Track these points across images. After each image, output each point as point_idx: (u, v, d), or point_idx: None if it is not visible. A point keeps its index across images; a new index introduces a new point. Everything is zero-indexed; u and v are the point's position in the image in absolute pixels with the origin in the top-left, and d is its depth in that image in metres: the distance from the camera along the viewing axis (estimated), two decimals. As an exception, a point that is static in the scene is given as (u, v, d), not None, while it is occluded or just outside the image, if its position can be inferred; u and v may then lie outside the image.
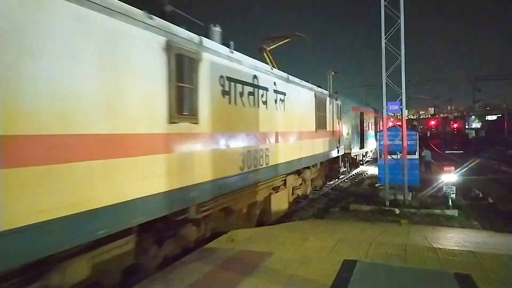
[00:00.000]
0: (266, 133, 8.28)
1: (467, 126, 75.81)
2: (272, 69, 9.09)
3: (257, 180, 7.83)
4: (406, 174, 11.41)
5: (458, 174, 13.85)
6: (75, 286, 3.91)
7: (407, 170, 11.45)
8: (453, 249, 6.04)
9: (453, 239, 7.03)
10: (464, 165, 20.54)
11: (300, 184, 11.53)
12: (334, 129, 15.20)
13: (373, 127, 28.04)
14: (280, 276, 4.76)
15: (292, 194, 10.88)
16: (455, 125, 75.72)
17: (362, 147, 22.86)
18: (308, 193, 12.66)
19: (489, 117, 71.79)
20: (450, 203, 10.79)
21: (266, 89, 8.36)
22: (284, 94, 9.49)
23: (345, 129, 18.86)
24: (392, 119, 33.36)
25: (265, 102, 8.27)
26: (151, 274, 4.96)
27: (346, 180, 18.73)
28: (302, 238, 6.58)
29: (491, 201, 13.32)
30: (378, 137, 16.10)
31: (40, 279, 3.60)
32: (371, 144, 26.56)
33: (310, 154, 11.61)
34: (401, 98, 11.28)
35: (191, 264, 5.20)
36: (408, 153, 12.03)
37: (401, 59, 11.01)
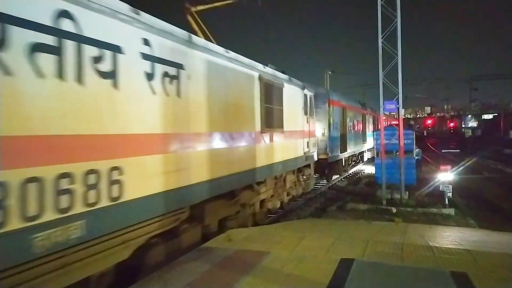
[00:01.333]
0: (116, 138, 4.29)
1: (463, 125, 76.16)
2: (138, 13, 4.77)
3: (85, 236, 3.80)
4: (403, 173, 11.47)
5: (454, 173, 13.90)
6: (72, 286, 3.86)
7: (404, 169, 11.50)
8: (450, 248, 6.06)
9: (449, 237, 7.06)
10: (461, 164, 20.64)
11: (238, 212, 7.83)
12: (300, 129, 11.23)
13: (361, 126, 23.80)
14: (277, 275, 4.76)
15: (221, 229, 7.18)
16: (452, 124, 76.09)
17: (344, 150, 18.59)
18: (250, 224, 8.55)
19: (486, 116, 72.15)
20: (447, 202, 10.85)
21: (113, 48, 4.28)
22: (179, 67, 5.48)
23: (319, 129, 15.37)
24: (384, 117, 32.84)
25: (111, 75, 4.23)
26: (148, 274, 4.95)
27: (343, 180, 18.78)
28: (299, 237, 6.58)
29: (487, 200, 13.38)
30: (375, 136, 16.02)
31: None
32: (359, 146, 22.67)
33: (250, 168, 7.69)
34: (398, 98, 11.31)
35: (188, 264, 5.19)
36: (405, 152, 12.08)
37: (397, 58, 11.04)
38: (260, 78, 8.38)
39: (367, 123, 26.03)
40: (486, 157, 28.70)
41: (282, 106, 9.64)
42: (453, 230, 8.20)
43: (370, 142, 26.53)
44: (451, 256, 5.59)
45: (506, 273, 4.87)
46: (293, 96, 10.69)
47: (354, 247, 5.98)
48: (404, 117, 13.58)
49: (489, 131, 60.29)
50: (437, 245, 6.20)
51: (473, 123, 78.13)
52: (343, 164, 19.48)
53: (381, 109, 11.68)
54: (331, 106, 16.52)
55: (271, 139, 8.84)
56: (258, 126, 8.16)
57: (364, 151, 25.70)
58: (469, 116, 76.68)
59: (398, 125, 11.83)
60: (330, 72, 35.76)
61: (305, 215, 11.11)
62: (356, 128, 21.90)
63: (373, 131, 26.09)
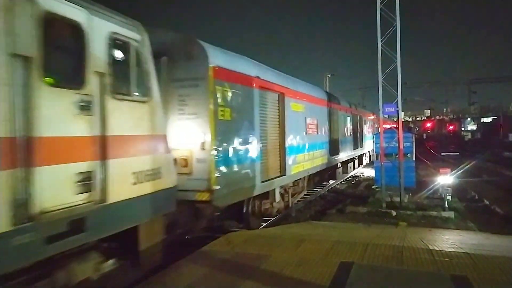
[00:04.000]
0: None
1: (462, 128, 76.26)
2: None
3: None
4: (403, 176, 11.45)
5: (454, 176, 13.89)
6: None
7: (403, 172, 11.49)
8: (449, 251, 6.05)
9: (449, 241, 7.05)
10: (460, 167, 20.61)
11: None
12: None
13: (328, 128, 14.60)
14: (276, 279, 4.74)
15: None
16: (451, 127, 76.20)
17: (279, 172, 9.78)
18: None
19: (485, 119, 72.26)
20: (446, 205, 10.83)
21: None
22: None
23: (192, 134, 6.65)
24: (372, 117, 26.87)
25: None
26: (146, 277, 4.92)
27: (342, 182, 18.74)
28: (299, 240, 6.56)
29: (487, 203, 13.36)
30: (374, 139, 15.77)
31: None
32: (321, 161, 13.58)
33: None
34: (397, 100, 11.32)
35: (187, 267, 5.18)
36: (404, 155, 12.08)
37: (397, 61, 11.06)
38: None
39: (341, 123, 17.08)
40: (486, 160, 28.67)
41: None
42: (453, 233, 8.19)
43: (348, 152, 18.55)
44: (451, 259, 5.57)
45: (507, 277, 4.86)
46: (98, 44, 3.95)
47: (354, 250, 5.97)
48: (403, 120, 13.52)
49: (489, 134, 60.37)
50: (437, 248, 6.18)
51: (472, 126, 78.22)
52: (277, 200, 9.94)
53: (381, 112, 11.69)
54: (225, 83, 7.13)
55: None
56: None
57: (337, 164, 16.90)
58: (469, 119, 76.82)
59: (397, 128, 11.84)
60: (329, 76, 35.81)
61: (304, 218, 11.09)
62: (315, 131, 12.88)
63: (352, 136, 19.80)
